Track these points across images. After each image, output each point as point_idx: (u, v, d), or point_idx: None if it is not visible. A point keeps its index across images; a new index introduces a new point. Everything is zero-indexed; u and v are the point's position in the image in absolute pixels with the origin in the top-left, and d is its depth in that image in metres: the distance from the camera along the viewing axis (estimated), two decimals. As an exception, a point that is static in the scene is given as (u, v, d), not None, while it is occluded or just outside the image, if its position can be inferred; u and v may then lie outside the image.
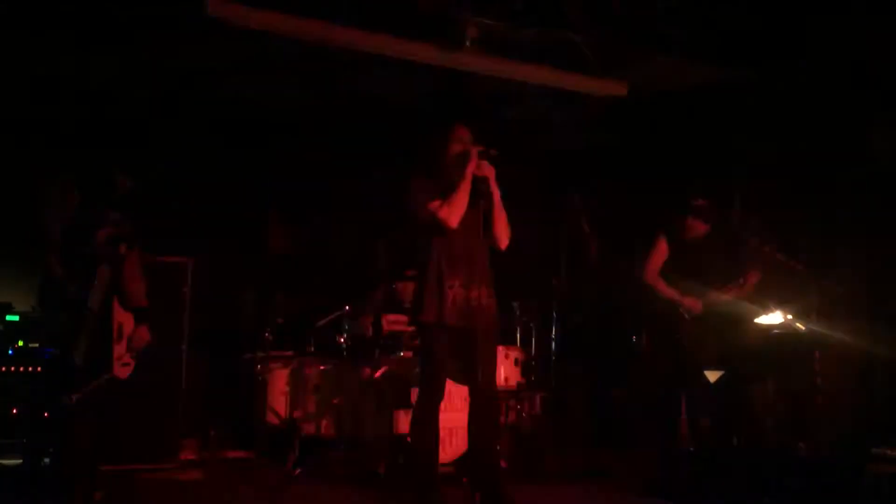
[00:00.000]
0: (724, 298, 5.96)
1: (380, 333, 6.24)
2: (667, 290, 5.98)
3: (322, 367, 6.13)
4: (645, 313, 6.54)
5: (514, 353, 6.35)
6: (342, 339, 5.89)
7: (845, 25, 5.60)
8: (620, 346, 7.24)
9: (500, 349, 6.12)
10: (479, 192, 4.46)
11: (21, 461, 5.35)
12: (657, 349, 7.00)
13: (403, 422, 5.37)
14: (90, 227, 4.50)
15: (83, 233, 4.48)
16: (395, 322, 6.25)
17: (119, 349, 4.62)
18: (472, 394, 4.55)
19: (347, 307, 6.15)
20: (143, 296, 4.86)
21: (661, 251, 6.07)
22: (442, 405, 4.67)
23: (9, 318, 5.75)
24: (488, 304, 4.54)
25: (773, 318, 6.07)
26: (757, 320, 6.22)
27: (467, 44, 5.37)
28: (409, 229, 4.71)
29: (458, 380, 5.17)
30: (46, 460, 5.26)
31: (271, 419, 6.12)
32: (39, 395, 5.41)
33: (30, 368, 5.65)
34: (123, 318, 4.64)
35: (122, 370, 4.65)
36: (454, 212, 4.40)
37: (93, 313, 4.39)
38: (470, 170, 4.42)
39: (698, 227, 6.07)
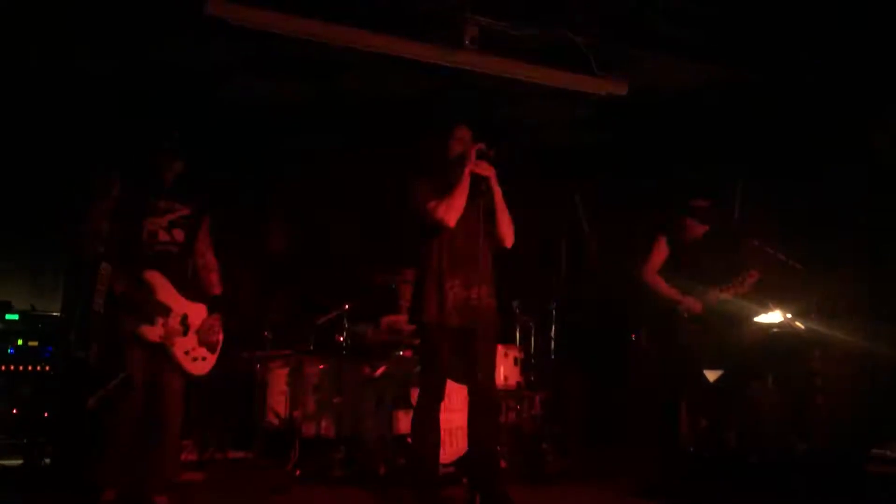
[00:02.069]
0: (723, 297, 5.97)
1: (379, 333, 6.25)
2: (666, 289, 5.98)
3: (321, 366, 6.13)
4: (644, 312, 6.55)
5: (514, 353, 6.35)
6: (341, 338, 5.89)
7: (845, 25, 5.60)
8: (620, 346, 7.25)
9: (500, 348, 6.12)
10: (481, 191, 4.46)
11: (21, 461, 5.36)
12: (657, 348, 7.02)
13: (403, 422, 5.37)
14: (138, 217, 4.35)
15: (130, 223, 4.33)
16: (394, 322, 6.25)
17: (186, 343, 4.41)
18: (471, 393, 4.54)
19: (347, 306, 6.14)
20: (218, 282, 4.67)
21: (661, 251, 6.09)
22: (442, 405, 4.68)
23: (8, 316, 5.74)
24: (488, 304, 4.53)
25: (772, 317, 6.07)
26: (757, 319, 6.23)
27: (467, 43, 5.36)
28: (409, 229, 4.69)
29: (459, 379, 5.17)
30: (47, 460, 5.31)
31: (271, 419, 6.11)
32: (55, 397, 5.40)
33: (29, 367, 5.65)
34: (189, 309, 4.45)
35: (194, 366, 4.44)
36: (451, 211, 4.39)
37: (98, 315, 4.33)
38: (467, 170, 4.41)
39: (697, 228, 6.08)
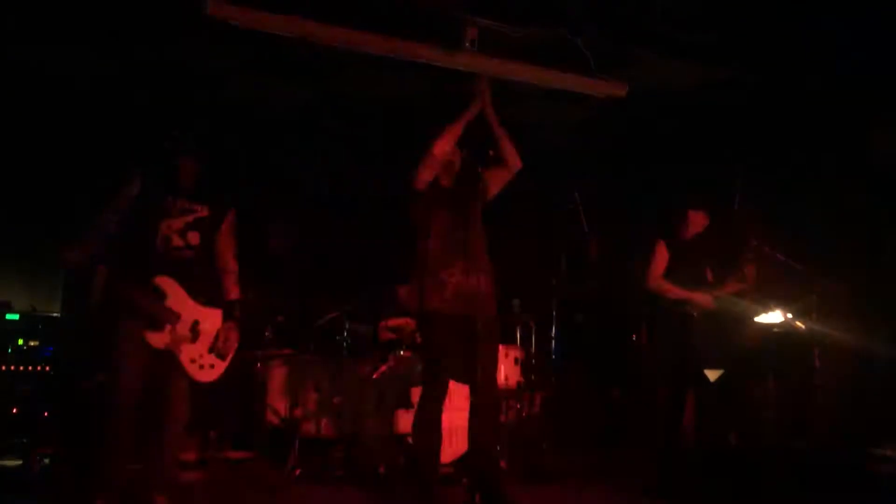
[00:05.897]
0: (729, 291, 5.95)
1: (378, 334, 6.26)
2: (674, 291, 5.93)
3: (322, 366, 6.13)
4: (649, 312, 6.53)
5: (514, 353, 6.35)
6: (342, 339, 5.89)
7: (844, 25, 5.60)
8: (620, 346, 7.25)
9: (501, 348, 6.12)
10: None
11: (21, 461, 5.36)
12: (660, 348, 7.01)
13: (404, 421, 5.37)
14: (153, 218, 4.26)
15: (145, 225, 4.25)
16: (395, 323, 6.25)
17: (194, 350, 4.31)
18: (472, 392, 4.53)
19: (347, 306, 6.14)
20: (235, 286, 4.54)
21: (662, 256, 6.03)
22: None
23: (9, 317, 5.75)
24: (488, 292, 4.51)
25: (773, 316, 6.07)
26: (757, 319, 6.23)
27: (467, 44, 5.35)
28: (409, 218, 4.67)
29: (460, 378, 5.16)
30: (46, 460, 5.31)
31: (271, 419, 6.11)
32: (44, 394, 5.40)
33: (29, 368, 5.66)
34: (201, 315, 4.34)
35: (201, 374, 4.33)
36: (440, 143, 4.44)
37: (91, 313, 4.29)
38: (474, 110, 4.52)
39: (699, 220, 6.01)
